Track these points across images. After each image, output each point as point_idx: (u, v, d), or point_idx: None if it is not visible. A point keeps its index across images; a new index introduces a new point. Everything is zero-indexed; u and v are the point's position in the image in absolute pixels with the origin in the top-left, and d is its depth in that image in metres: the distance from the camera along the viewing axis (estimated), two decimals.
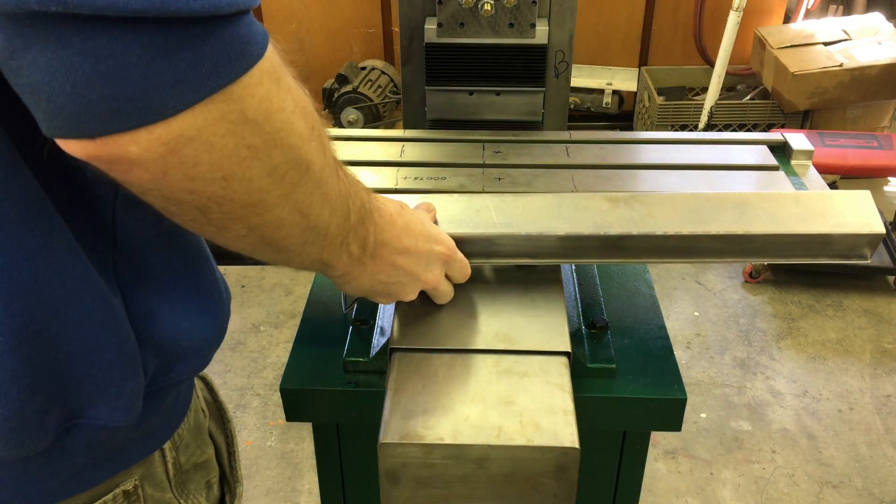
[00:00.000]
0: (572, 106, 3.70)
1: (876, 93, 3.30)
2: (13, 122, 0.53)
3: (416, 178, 1.11)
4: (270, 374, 2.54)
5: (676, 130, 3.50)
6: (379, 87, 3.75)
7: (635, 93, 3.84)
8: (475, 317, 0.90)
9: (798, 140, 1.25)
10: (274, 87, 0.52)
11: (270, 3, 3.77)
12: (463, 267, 0.88)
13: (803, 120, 3.43)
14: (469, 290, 0.93)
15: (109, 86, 0.45)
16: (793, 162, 1.23)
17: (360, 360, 0.95)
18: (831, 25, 3.55)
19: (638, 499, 1.09)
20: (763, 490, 2.15)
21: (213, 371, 0.90)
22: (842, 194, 0.95)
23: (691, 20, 3.77)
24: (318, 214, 0.62)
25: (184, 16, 0.45)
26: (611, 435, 1.03)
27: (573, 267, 1.11)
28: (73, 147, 0.49)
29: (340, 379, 0.95)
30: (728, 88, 3.75)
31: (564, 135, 1.26)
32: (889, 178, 3.54)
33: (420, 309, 0.91)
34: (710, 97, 3.31)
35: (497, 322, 0.89)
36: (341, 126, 3.63)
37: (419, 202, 0.90)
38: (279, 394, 0.97)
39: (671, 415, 0.96)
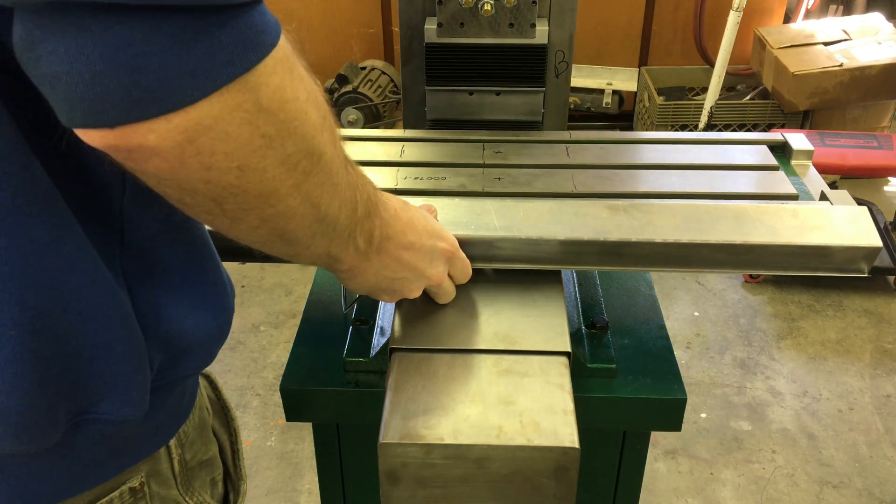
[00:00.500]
0: (572, 106, 3.70)
1: (876, 93, 3.30)
2: (25, 117, 0.54)
3: (416, 178, 1.11)
4: (270, 374, 2.54)
5: (676, 130, 3.50)
6: (379, 87, 3.75)
7: (635, 93, 3.84)
8: (475, 317, 0.90)
9: (798, 140, 1.25)
10: (287, 76, 0.52)
11: (270, 4, 3.74)
12: (465, 266, 0.88)
13: (803, 120, 3.42)
14: (469, 290, 0.93)
15: (128, 74, 0.45)
16: (793, 162, 1.23)
17: (360, 360, 0.95)
18: (831, 25, 3.55)
19: (638, 499, 1.09)
20: (763, 490, 2.15)
21: (212, 371, 0.90)
22: (840, 209, 0.96)
23: (691, 20, 3.77)
24: (329, 205, 0.63)
25: (201, 4, 0.46)
26: (611, 435, 1.03)
27: None
28: (92, 137, 0.49)
29: (340, 379, 0.95)
30: (728, 88, 3.75)
31: (564, 135, 1.26)
32: (889, 178, 3.54)
33: (420, 309, 0.91)
34: (710, 97, 3.31)
35: (497, 322, 0.89)
36: (341, 126, 3.63)
37: (421, 204, 0.90)
38: (279, 394, 0.97)
39: (671, 415, 0.96)
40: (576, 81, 3.54)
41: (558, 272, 0.98)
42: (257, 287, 2.95)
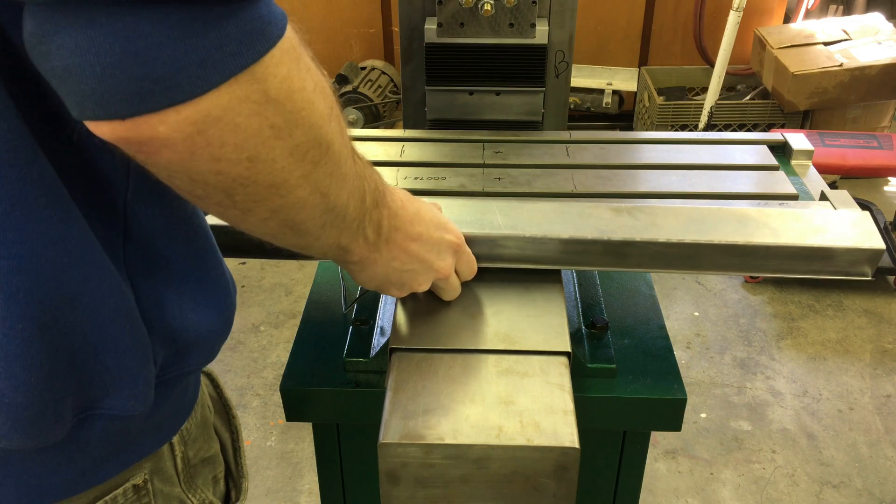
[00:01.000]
0: (572, 106, 3.70)
1: (876, 93, 3.30)
2: (32, 111, 0.54)
3: (416, 178, 1.11)
4: (270, 374, 2.54)
5: (676, 130, 3.50)
6: (379, 87, 3.75)
7: (635, 93, 3.84)
8: (475, 317, 0.90)
9: (798, 140, 1.25)
10: (294, 66, 0.53)
11: None
12: (471, 261, 0.89)
13: (803, 120, 3.42)
14: (469, 290, 0.93)
15: (139, 66, 0.46)
16: (793, 162, 1.23)
17: (360, 360, 0.95)
18: (831, 25, 3.55)
19: (638, 499, 1.09)
20: (763, 490, 2.15)
21: (212, 370, 0.90)
22: (842, 213, 0.96)
23: (691, 20, 3.77)
24: (338, 195, 0.63)
25: None
26: (611, 435, 1.03)
27: None
28: (103, 129, 0.49)
29: (340, 379, 0.95)
30: (728, 88, 3.75)
31: (564, 135, 1.26)
32: (889, 178, 3.54)
33: (420, 309, 0.91)
34: (710, 97, 3.31)
35: (497, 322, 0.89)
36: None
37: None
38: (279, 394, 0.97)
39: (671, 415, 0.96)
40: (576, 81, 3.55)
41: (558, 272, 0.98)
42: (257, 287, 2.95)
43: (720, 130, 3.43)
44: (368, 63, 3.88)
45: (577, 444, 0.74)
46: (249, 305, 2.85)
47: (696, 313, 2.82)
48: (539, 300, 0.93)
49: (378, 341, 0.96)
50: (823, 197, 1.06)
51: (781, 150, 1.26)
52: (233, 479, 0.89)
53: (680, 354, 2.61)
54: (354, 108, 3.66)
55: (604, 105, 3.76)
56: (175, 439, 0.76)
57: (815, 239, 0.91)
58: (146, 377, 0.65)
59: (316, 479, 1.14)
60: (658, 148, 1.23)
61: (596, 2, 3.78)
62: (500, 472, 0.75)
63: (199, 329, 0.69)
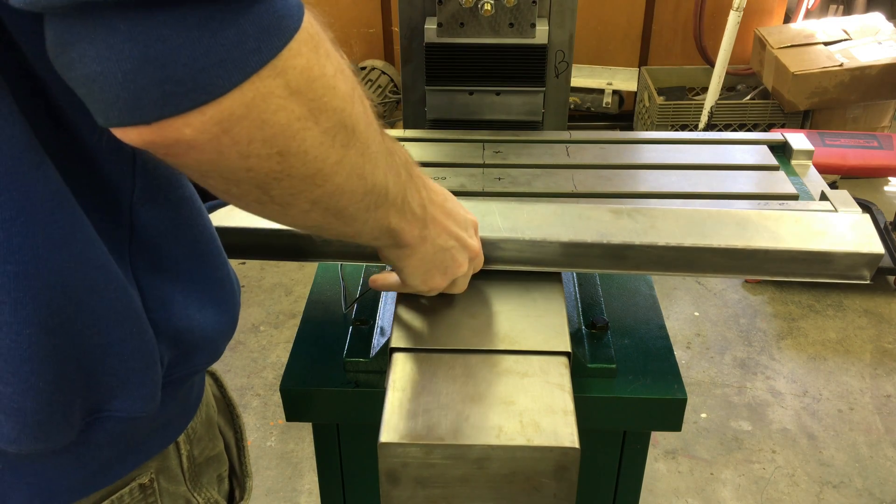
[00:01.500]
0: (572, 106, 3.69)
1: (876, 93, 3.30)
2: (36, 116, 0.54)
3: None
4: (270, 374, 2.54)
5: (676, 130, 3.50)
6: (379, 87, 3.75)
7: (635, 93, 3.84)
8: (475, 317, 0.90)
9: (798, 140, 1.25)
10: (313, 55, 0.53)
11: None
12: (481, 247, 0.89)
13: (803, 120, 3.42)
14: (469, 289, 0.93)
15: (160, 70, 0.46)
16: (793, 162, 1.23)
17: (360, 360, 0.95)
18: (831, 25, 3.55)
19: (638, 499, 1.09)
20: (763, 490, 2.15)
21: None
22: (842, 216, 0.96)
23: (691, 20, 3.77)
24: (374, 174, 0.63)
25: None
26: (611, 435, 1.03)
27: None
28: (130, 135, 0.49)
29: (340, 379, 0.95)
30: (728, 88, 3.75)
31: (564, 135, 1.26)
32: (889, 178, 3.54)
33: (420, 309, 0.91)
34: (710, 97, 3.31)
35: (497, 322, 0.89)
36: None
37: None
38: (279, 394, 0.97)
39: (671, 415, 0.96)
40: (576, 81, 3.55)
41: (558, 272, 0.98)
42: (257, 287, 2.95)
43: (720, 130, 3.43)
44: (368, 63, 3.88)
45: (577, 444, 0.74)
46: (249, 305, 2.84)
47: (697, 313, 2.82)
48: (539, 300, 0.93)
49: (378, 341, 0.96)
50: (823, 197, 1.06)
51: (781, 150, 1.26)
52: (237, 478, 0.89)
53: (680, 354, 2.61)
54: None
55: (604, 105, 3.76)
56: (181, 438, 0.76)
57: (814, 243, 0.91)
58: (153, 378, 0.65)
59: (316, 479, 1.14)
60: (658, 148, 1.23)
61: (596, 2, 3.78)
62: (500, 473, 0.75)
63: (205, 329, 0.69)
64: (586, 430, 0.80)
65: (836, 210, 1.01)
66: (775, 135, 1.27)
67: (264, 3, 0.48)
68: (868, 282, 0.92)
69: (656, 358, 0.99)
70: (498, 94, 1.25)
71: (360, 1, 3.84)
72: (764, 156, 1.20)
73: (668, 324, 1.08)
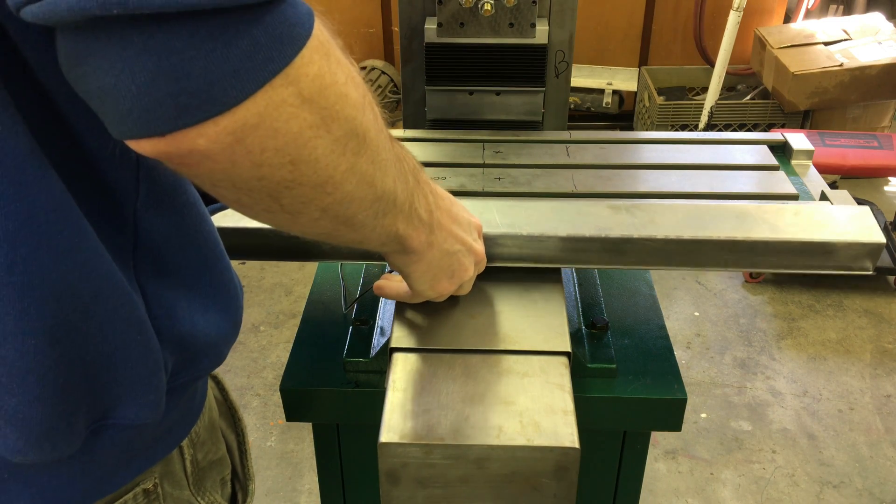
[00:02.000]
0: (572, 106, 3.69)
1: (876, 93, 3.30)
2: (40, 126, 0.54)
3: None
4: (270, 374, 2.54)
5: (676, 130, 3.50)
6: (379, 87, 3.75)
7: (635, 93, 3.84)
8: (475, 317, 0.90)
9: (798, 140, 1.25)
10: (325, 62, 0.53)
11: None
12: (484, 256, 0.89)
13: (803, 120, 3.42)
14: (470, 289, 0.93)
15: (174, 82, 0.46)
16: (793, 162, 1.23)
17: (360, 360, 0.95)
18: (831, 25, 3.55)
19: (638, 499, 1.09)
20: (763, 490, 2.15)
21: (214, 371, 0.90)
22: (842, 208, 0.96)
23: (691, 20, 3.77)
24: (383, 182, 0.63)
25: (234, 4, 0.46)
26: (611, 435, 1.03)
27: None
28: (144, 146, 0.49)
29: (340, 379, 0.95)
30: (728, 88, 3.75)
31: (564, 135, 1.26)
32: (889, 178, 3.54)
33: (420, 309, 0.91)
34: (710, 97, 3.31)
35: (497, 322, 0.89)
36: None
37: None
38: (279, 394, 0.97)
39: (671, 415, 0.96)
40: (576, 81, 3.54)
41: (558, 272, 0.98)
42: (257, 287, 2.95)
43: (720, 130, 3.43)
44: (368, 63, 3.88)
45: (577, 444, 0.74)
46: (249, 305, 2.85)
47: (697, 313, 2.82)
48: (539, 300, 0.93)
49: (378, 341, 0.96)
50: (824, 197, 1.06)
51: (782, 150, 1.26)
52: (239, 481, 0.89)
53: (680, 354, 2.61)
54: None
55: (604, 105, 3.76)
56: (184, 443, 0.76)
57: (815, 234, 0.91)
58: (158, 385, 0.65)
59: (316, 479, 1.14)
60: (658, 148, 1.23)
61: (596, 2, 3.78)
62: (500, 473, 0.75)
63: (209, 334, 0.69)
64: (586, 430, 0.80)
65: None
66: (775, 135, 1.27)
67: (275, 12, 0.48)
68: (871, 272, 0.92)
69: (656, 358, 0.99)
70: (498, 94, 1.25)
71: (360, 1, 3.84)
72: (764, 156, 1.20)
73: (668, 324, 1.08)
